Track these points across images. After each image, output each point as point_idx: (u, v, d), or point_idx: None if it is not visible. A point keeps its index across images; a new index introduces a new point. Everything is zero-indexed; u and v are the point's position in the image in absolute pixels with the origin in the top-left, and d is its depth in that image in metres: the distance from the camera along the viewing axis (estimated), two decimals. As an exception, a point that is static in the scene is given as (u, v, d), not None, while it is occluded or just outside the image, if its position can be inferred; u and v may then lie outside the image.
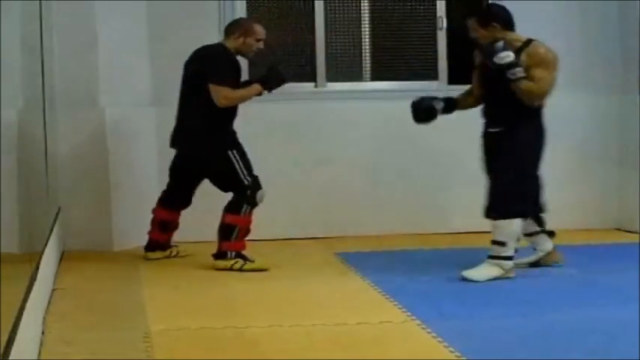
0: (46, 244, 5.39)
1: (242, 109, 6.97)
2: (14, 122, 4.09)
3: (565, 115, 7.91)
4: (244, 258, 6.36)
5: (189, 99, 6.51)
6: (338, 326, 4.83)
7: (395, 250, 6.91)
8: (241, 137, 6.61)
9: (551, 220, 7.81)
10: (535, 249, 6.31)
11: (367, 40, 7.85)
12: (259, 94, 6.54)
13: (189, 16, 7.43)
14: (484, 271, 5.87)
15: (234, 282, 5.97)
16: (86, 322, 5.04)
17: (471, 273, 5.85)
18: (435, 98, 6.36)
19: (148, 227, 7.06)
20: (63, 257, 6.72)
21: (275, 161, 7.38)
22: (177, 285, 5.96)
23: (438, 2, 7.80)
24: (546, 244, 6.31)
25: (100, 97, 7.13)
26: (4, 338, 3.26)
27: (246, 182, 6.40)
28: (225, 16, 7.45)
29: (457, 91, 6.83)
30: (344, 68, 7.88)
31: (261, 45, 6.57)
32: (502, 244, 5.88)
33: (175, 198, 6.74)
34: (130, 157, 7.22)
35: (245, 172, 6.42)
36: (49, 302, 5.35)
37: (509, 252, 5.89)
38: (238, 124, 6.67)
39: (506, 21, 6.05)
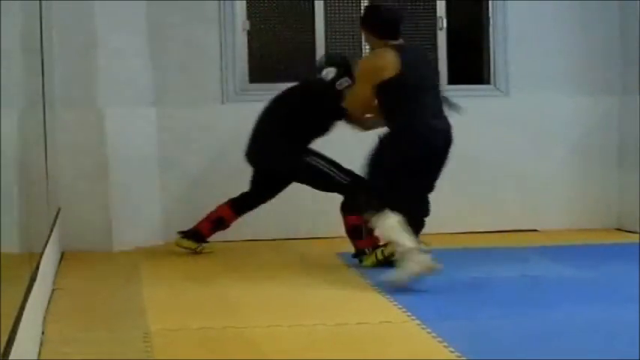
0: (46, 244, 5.38)
1: (244, 108, 6.99)
2: (14, 122, 4.08)
3: (565, 115, 7.92)
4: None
5: None
6: (338, 326, 4.83)
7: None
8: (243, 137, 6.63)
9: (551, 220, 7.86)
10: None
11: (367, 40, 7.84)
12: None
13: (189, 16, 7.43)
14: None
15: (234, 282, 5.97)
16: (86, 322, 5.03)
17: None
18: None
19: (147, 227, 7.07)
20: (63, 257, 6.72)
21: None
22: (177, 285, 5.95)
23: (438, 2, 7.79)
24: None
25: (100, 97, 7.12)
26: (4, 338, 3.26)
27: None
28: (225, 16, 7.46)
29: (457, 90, 6.84)
30: (344, 68, 7.86)
31: None
32: None
33: (248, 204, 6.80)
34: (130, 157, 7.21)
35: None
36: (49, 302, 5.35)
37: None
38: (239, 124, 6.68)
39: (377, 26, 5.93)
